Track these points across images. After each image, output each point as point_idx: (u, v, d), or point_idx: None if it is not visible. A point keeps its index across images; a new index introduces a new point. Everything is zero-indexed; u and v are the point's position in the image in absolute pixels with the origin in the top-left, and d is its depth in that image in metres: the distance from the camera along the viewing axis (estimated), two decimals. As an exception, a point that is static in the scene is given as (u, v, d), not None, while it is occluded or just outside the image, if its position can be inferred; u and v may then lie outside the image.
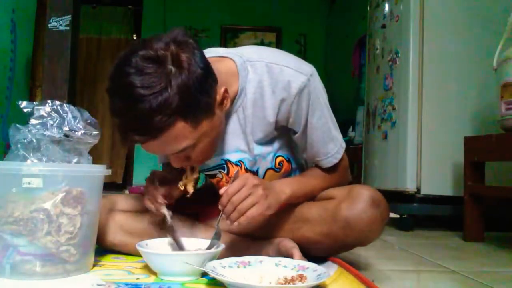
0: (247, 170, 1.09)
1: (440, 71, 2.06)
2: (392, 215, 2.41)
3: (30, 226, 0.83)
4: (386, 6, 2.33)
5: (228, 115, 1.04)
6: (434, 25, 2.07)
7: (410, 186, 2.03)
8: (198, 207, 1.23)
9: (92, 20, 4.81)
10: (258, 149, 1.08)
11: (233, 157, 1.09)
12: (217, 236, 0.97)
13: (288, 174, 1.16)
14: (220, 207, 0.91)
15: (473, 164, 1.79)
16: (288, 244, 1.02)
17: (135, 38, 4.91)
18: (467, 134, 1.88)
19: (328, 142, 1.07)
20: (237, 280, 0.79)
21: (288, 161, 1.13)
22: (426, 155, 2.03)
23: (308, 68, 1.02)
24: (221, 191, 0.91)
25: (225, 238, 1.06)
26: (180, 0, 4.77)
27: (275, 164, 1.12)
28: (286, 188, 1.00)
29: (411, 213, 2.03)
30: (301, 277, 0.83)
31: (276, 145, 1.10)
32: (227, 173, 1.11)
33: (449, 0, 2.11)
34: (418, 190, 2.02)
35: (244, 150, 1.08)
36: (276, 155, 1.11)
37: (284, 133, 1.10)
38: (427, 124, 2.04)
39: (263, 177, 1.12)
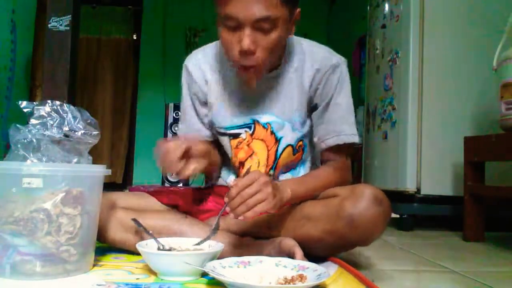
0: (273, 133, 1.17)
1: (440, 71, 2.06)
2: (392, 215, 2.40)
3: (30, 226, 0.83)
4: (386, 6, 2.33)
5: (268, 78, 1.15)
6: (434, 25, 2.07)
7: (410, 186, 2.03)
8: (196, 207, 1.24)
9: (92, 20, 4.81)
10: (289, 117, 1.16)
11: (263, 118, 1.17)
12: (215, 230, 0.98)
13: (294, 167, 1.22)
14: (226, 199, 0.91)
15: (473, 164, 1.79)
16: (289, 242, 1.02)
17: (135, 38, 4.91)
18: (467, 134, 1.88)
19: (344, 123, 1.15)
20: (237, 280, 0.79)
21: (303, 151, 1.22)
22: (426, 155, 2.03)
23: (341, 56, 1.18)
24: (231, 183, 0.91)
25: (226, 238, 1.06)
26: (180, 0, 4.77)
27: (296, 144, 1.19)
28: (288, 188, 1.02)
29: (411, 213, 2.03)
30: (301, 277, 0.83)
31: (304, 129, 1.18)
32: (252, 134, 1.18)
33: (449, 0, 2.11)
34: (418, 190, 2.02)
35: (276, 113, 1.16)
36: (300, 138, 1.19)
37: (309, 119, 1.19)
38: (427, 124, 2.04)
39: (280, 154, 1.18)
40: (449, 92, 2.06)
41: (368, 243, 1.04)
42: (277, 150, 1.18)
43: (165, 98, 4.59)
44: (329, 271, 0.88)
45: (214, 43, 1.25)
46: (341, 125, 1.15)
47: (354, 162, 2.82)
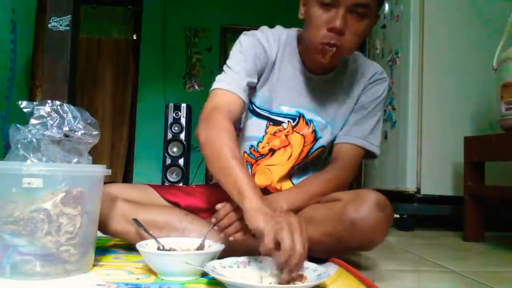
0: (314, 132, 1.21)
1: (440, 71, 2.06)
2: (392, 215, 2.40)
3: (30, 226, 0.83)
4: (386, 6, 2.33)
5: (323, 78, 1.19)
6: (434, 25, 2.07)
7: (410, 186, 2.03)
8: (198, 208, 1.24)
9: (92, 20, 4.81)
10: (332, 120, 1.21)
11: (308, 115, 1.20)
12: (200, 248, 0.99)
13: (307, 170, 1.27)
14: (213, 219, 0.95)
15: (473, 164, 1.79)
16: None
17: (135, 38, 4.90)
18: (467, 134, 1.88)
19: (372, 133, 1.21)
20: (237, 280, 0.79)
21: (327, 157, 1.28)
22: (426, 155, 2.03)
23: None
24: (218, 206, 0.94)
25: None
26: (180, 0, 4.77)
27: (327, 146, 1.24)
28: (282, 203, 1.05)
29: (411, 213, 2.03)
30: (301, 277, 0.83)
31: (335, 136, 1.23)
32: (294, 126, 1.20)
33: (449, 0, 2.11)
34: (418, 190, 2.02)
35: (321, 113, 1.20)
36: (332, 142, 1.24)
37: None
38: (427, 124, 2.04)
39: (311, 154, 1.23)
40: (449, 92, 2.06)
41: (369, 248, 1.03)
42: (311, 148, 1.23)
43: (165, 98, 4.59)
44: (329, 271, 0.88)
45: (274, 28, 1.23)
46: (369, 133, 1.20)
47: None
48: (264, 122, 1.21)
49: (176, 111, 4.07)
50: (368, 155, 1.23)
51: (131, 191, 1.19)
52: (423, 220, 2.17)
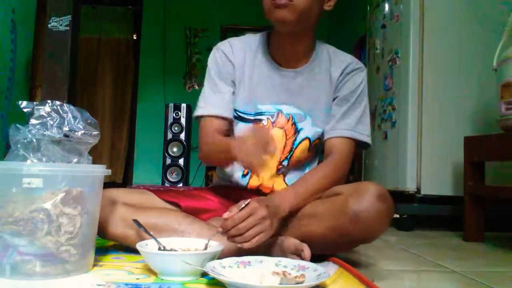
0: (293, 124, 1.23)
1: (440, 71, 2.06)
2: (392, 215, 2.40)
3: (30, 226, 0.83)
4: (386, 6, 2.33)
5: (297, 72, 1.23)
6: (434, 25, 2.07)
7: (410, 186, 2.03)
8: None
9: (92, 20, 4.81)
10: (311, 111, 1.23)
11: (286, 109, 1.24)
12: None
13: (303, 168, 1.27)
14: (220, 229, 0.94)
15: (473, 164, 1.79)
16: (293, 241, 1.02)
17: (135, 38, 4.91)
18: (467, 134, 1.88)
19: (360, 123, 1.21)
20: (237, 280, 0.79)
21: (317, 151, 1.30)
22: (426, 155, 2.03)
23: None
24: (225, 215, 0.94)
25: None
26: (180, 0, 4.77)
27: (313, 140, 1.25)
28: (286, 206, 1.04)
29: (411, 213, 2.03)
30: (301, 276, 0.83)
31: (323, 127, 1.24)
32: (273, 123, 1.24)
33: (449, 0, 2.11)
34: (418, 190, 2.02)
35: (299, 105, 1.23)
36: (318, 136, 1.25)
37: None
38: (427, 124, 2.04)
39: (297, 146, 1.24)
40: (449, 92, 2.06)
41: (371, 240, 1.04)
42: (294, 140, 1.24)
43: (165, 98, 4.59)
44: (329, 271, 0.88)
45: (243, 36, 1.33)
46: (357, 124, 1.21)
47: (354, 162, 2.82)
48: (245, 125, 1.25)
49: (176, 111, 4.07)
50: (361, 146, 1.24)
51: (130, 195, 1.18)
52: (423, 220, 2.16)
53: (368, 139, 1.23)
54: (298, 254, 0.99)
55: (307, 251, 0.98)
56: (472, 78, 2.06)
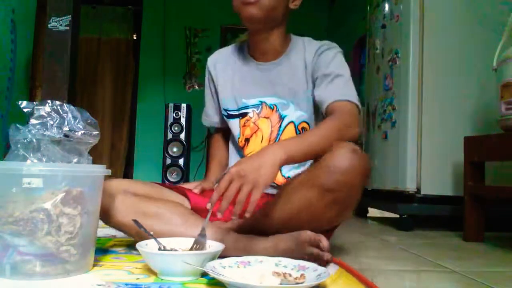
0: (278, 113, 1.32)
1: (440, 71, 2.06)
2: (392, 215, 2.41)
3: (30, 226, 0.83)
4: (386, 6, 2.33)
5: (275, 64, 1.33)
6: (434, 25, 2.07)
7: (410, 186, 2.03)
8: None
9: (92, 20, 4.81)
10: (293, 97, 1.31)
11: (269, 100, 1.33)
12: (202, 235, 0.98)
13: None
14: (208, 205, 0.94)
15: (473, 164, 1.79)
16: (309, 233, 1.00)
17: (135, 38, 4.91)
18: (467, 134, 1.88)
19: (347, 90, 1.23)
20: (237, 280, 0.79)
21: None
22: (426, 155, 2.03)
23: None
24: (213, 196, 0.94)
25: (230, 238, 1.06)
26: (180, 0, 4.77)
27: (299, 124, 1.31)
28: (280, 149, 0.99)
29: (411, 213, 2.03)
30: (302, 276, 0.83)
31: (308, 109, 1.31)
32: (259, 113, 1.34)
33: (449, 0, 2.11)
34: (418, 190, 2.02)
35: (281, 94, 1.31)
36: (303, 119, 1.32)
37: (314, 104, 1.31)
38: (427, 124, 2.04)
39: (282, 131, 1.31)
40: (449, 92, 2.06)
41: (354, 197, 1.02)
42: (280, 126, 1.31)
43: (165, 98, 4.59)
44: (329, 271, 0.88)
45: (231, 45, 1.47)
46: (344, 89, 1.23)
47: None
48: (237, 120, 1.36)
49: (176, 111, 4.07)
50: None
51: (139, 185, 1.22)
52: (423, 220, 2.17)
53: (358, 102, 1.22)
54: (316, 246, 0.97)
55: (324, 242, 0.97)
56: (472, 78, 2.06)
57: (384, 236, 1.79)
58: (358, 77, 3.74)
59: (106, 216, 1.10)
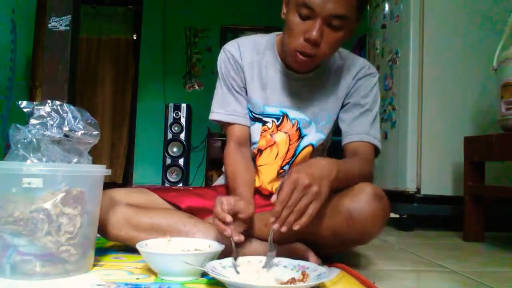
0: (298, 130, 1.22)
1: (440, 71, 2.06)
2: (392, 215, 2.41)
3: (30, 226, 0.83)
4: (386, 6, 2.33)
5: (306, 77, 1.20)
6: (434, 25, 2.07)
7: (410, 186, 2.03)
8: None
9: (92, 20, 4.81)
10: (316, 118, 1.22)
11: (292, 114, 1.22)
12: (271, 250, 0.93)
13: None
14: (272, 218, 0.88)
15: (473, 164, 1.79)
16: (302, 247, 1.02)
17: (135, 38, 4.91)
18: (467, 134, 1.88)
19: (373, 129, 1.19)
20: (237, 280, 0.79)
21: (314, 155, 1.24)
22: (426, 155, 2.03)
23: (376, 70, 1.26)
24: (273, 199, 0.90)
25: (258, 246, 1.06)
26: (180, 0, 4.77)
27: (316, 146, 1.23)
28: (333, 165, 0.95)
29: (411, 213, 2.03)
30: (303, 275, 0.83)
31: (326, 133, 1.23)
32: (278, 126, 1.22)
33: (449, 0, 2.11)
34: (418, 190, 2.02)
35: (305, 111, 1.22)
36: (321, 142, 1.23)
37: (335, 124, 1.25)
38: (427, 124, 2.04)
39: (300, 151, 1.23)
40: (449, 92, 2.06)
41: (366, 241, 1.02)
42: (298, 146, 1.23)
43: (165, 98, 4.59)
44: (329, 271, 0.88)
45: (253, 35, 1.29)
46: (371, 128, 1.19)
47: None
48: (259, 125, 1.24)
49: (176, 111, 4.08)
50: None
51: (133, 195, 1.18)
52: (423, 220, 2.16)
53: (379, 144, 1.21)
54: (306, 260, 0.98)
55: (312, 259, 0.97)
56: (472, 78, 2.06)
57: (384, 236, 1.79)
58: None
59: (102, 230, 1.08)
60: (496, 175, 1.90)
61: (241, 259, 0.92)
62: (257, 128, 1.24)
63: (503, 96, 1.64)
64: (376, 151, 1.21)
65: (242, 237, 0.97)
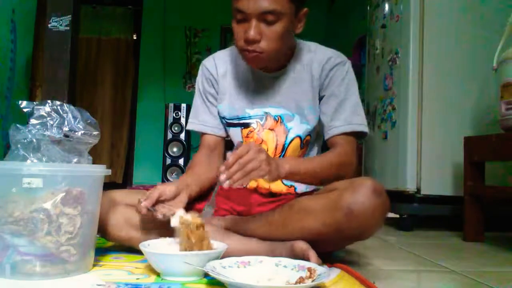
0: (283, 124, 1.25)
1: (440, 71, 2.06)
2: (392, 215, 2.41)
3: (30, 226, 0.83)
4: (386, 6, 2.33)
5: (279, 74, 1.25)
6: (434, 25, 2.07)
7: (410, 186, 2.03)
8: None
9: (92, 20, 4.81)
10: (298, 109, 1.24)
11: (274, 111, 1.26)
12: (210, 205, 1.00)
13: None
14: (222, 168, 0.93)
15: (473, 164, 1.79)
16: (302, 246, 1.02)
17: (135, 38, 4.91)
18: (467, 134, 1.88)
19: (354, 114, 1.20)
20: (237, 280, 0.79)
21: (308, 147, 1.29)
22: (426, 155, 2.03)
23: (346, 58, 1.27)
24: (228, 154, 0.94)
25: (234, 240, 1.06)
26: (180, 0, 4.77)
27: (304, 137, 1.25)
28: (286, 163, 1.04)
29: (411, 213, 2.03)
30: (310, 271, 0.84)
31: (312, 122, 1.25)
32: (263, 125, 1.26)
33: (449, 0, 2.11)
34: (418, 190, 2.02)
35: (286, 106, 1.25)
36: (308, 132, 1.25)
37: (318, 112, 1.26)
38: (427, 124, 2.04)
39: (288, 144, 1.25)
40: (449, 92, 2.06)
41: (366, 236, 1.03)
42: (285, 139, 1.25)
43: (165, 98, 4.59)
44: (329, 271, 0.88)
45: (228, 48, 1.38)
46: (351, 116, 1.20)
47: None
48: (238, 129, 1.29)
49: (176, 111, 4.07)
50: (359, 136, 1.24)
51: (133, 195, 1.18)
52: (423, 220, 2.17)
53: (365, 128, 1.22)
54: (307, 259, 0.98)
55: (313, 259, 0.97)
56: (472, 78, 2.06)
57: (384, 236, 1.79)
58: (358, 78, 3.73)
59: (102, 231, 1.09)
60: (496, 175, 1.90)
61: (252, 259, 0.92)
62: (235, 132, 1.29)
63: (503, 96, 1.64)
64: (363, 133, 1.23)
65: (165, 214, 1.00)
